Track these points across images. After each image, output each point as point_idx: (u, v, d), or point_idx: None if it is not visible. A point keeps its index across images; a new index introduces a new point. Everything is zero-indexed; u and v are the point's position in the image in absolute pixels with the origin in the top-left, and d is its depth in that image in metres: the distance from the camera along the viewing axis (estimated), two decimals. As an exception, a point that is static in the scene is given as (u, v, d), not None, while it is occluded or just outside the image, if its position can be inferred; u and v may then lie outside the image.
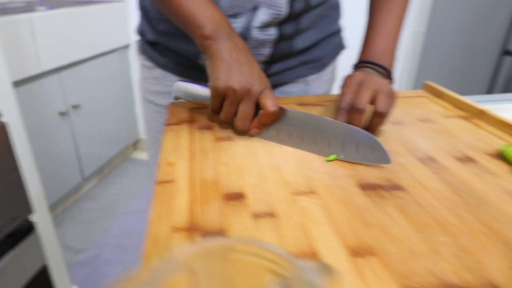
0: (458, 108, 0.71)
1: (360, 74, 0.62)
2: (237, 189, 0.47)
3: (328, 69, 0.84)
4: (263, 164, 0.52)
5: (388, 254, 0.36)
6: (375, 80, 0.60)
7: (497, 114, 0.63)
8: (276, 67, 0.76)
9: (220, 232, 0.39)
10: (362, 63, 0.69)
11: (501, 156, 0.54)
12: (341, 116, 0.59)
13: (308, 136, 0.56)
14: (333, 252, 0.36)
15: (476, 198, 0.45)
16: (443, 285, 0.33)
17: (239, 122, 0.58)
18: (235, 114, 0.58)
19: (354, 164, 0.52)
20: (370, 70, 0.66)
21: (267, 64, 0.75)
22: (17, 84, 1.59)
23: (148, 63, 0.82)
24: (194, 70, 0.76)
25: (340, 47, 0.84)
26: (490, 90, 2.02)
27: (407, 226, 0.40)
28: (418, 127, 0.63)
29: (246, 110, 0.57)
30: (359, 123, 0.57)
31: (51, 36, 1.73)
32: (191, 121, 0.67)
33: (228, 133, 0.62)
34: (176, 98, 0.68)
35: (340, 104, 0.59)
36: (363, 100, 0.56)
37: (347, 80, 0.62)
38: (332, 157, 0.53)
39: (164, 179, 0.49)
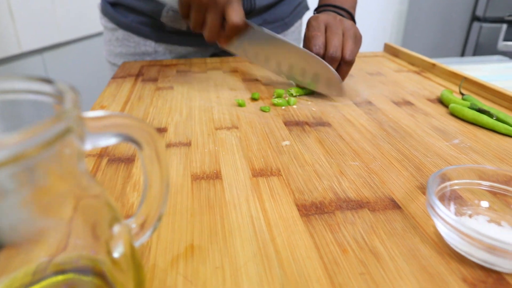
0: (412, 64, 0.70)
1: (325, 16, 0.59)
2: (161, 124, 0.46)
3: (292, 29, 0.83)
4: (195, 106, 0.51)
5: (292, 175, 0.35)
6: (341, 22, 0.57)
7: (446, 66, 0.61)
8: None
9: (129, 159, 0.38)
10: (323, 7, 0.66)
11: (440, 101, 0.53)
12: None
13: (273, 57, 0.56)
14: (237, 173, 0.35)
15: (401, 132, 0.43)
16: (340, 199, 0.32)
17: (206, 32, 0.55)
18: (204, 23, 0.55)
19: (289, 106, 0.51)
20: (332, 13, 0.63)
21: None
22: (-4, 63, 1.58)
23: (111, 25, 0.81)
24: (157, 29, 0.75)
25: (304, 8, 0.83)
26: (462, 54, 2.08)
27: (321, 153, 0.39)
28: (365, 79, 0.62)
29: (212, 20, 0.54)
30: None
31: (31, 16, 1.72)
32: (138, 75, 0.66)
33: (171, 83, 0.61)
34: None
35: (314, 48, 0.55)
36: (337, 48, 0.54)
37: (313, 22, 0.59)
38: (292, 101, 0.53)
39: (91, 118, 0.48)
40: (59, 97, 0.16)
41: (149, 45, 0.77)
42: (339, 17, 0.60)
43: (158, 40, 0.76)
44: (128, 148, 0.40)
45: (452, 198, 0.29)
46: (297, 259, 0.25)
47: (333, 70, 0.53)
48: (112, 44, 0.81)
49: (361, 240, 0.27)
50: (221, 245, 0.27)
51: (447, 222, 0.24)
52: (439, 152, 0.39)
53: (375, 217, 0.29)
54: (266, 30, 0.54)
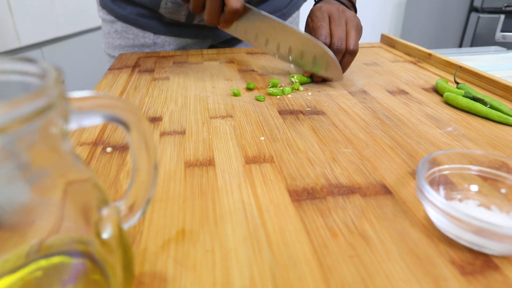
0: (408, 55, 0.70)
1: (328, 6, 0.58)
2: (156, 114, 0.46)
3: (289, 20, 0.83)
4: (190, 96, 0.52)
5: (284, 162, 0.35)
6: (344, 13, 0.57)
7: (442, 56, 0.61)
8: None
9: (123, 147, 0.39)
10: None
11: (435, 90, 0.53)
12: None
13: (272, 40, 0.56)
14: (230, 160, 0.36)
15: (395, 120, 0.44)
16: (331, 185, 0.32)
17: (206, 16, 0.54)
18: (204, 7, 0.55)
19: (284, 95, 0.51)
20: (335, 2, 0.63)
21: None
22: (-5, 56, 1.58)
23: (109, 17, 0.81)
24: (156, 21, 0.75)
25: None
26: (460, 45, 2.08)
27: (314, 141, 0.39)
28: (361, 69, 0.62)
29: (211, 4, 0.53)
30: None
31: (29, 11, 1.72)
32: (135, 66, 0.66)
33: (167, 74, 0.61)
34: None
35: (320, 38, 0.54)
36: (342, 39, 0.54)
37: (317, 12, 0.58)
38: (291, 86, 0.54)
39: (86, 108, 0.48)
40: (43, 76, 0.16)
41: (148, 37, 0.77)
42: (342, 7, 0.59)
43: (156, 32, 0.76)
44: (122, 137, 0.41)
45: (442, 183, 0.29)
46: (287, 243, 0.26)
47: (331, 53, 0.53)
48: (111, 36, 0.81)
49: (351, 225, 0.27)
50: (212, 230, 0.27)
51: (436, 205, 0.25)
52: (432, 140, 0.39)
53: (366, 202, 0.30)
54: (265, 13, 0.54)
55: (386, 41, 0.77)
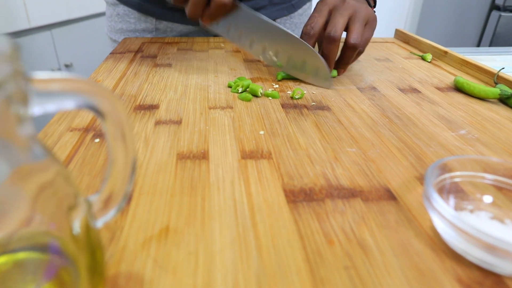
0: (423, 52, 0.66)
1: (334, 0, 0.53)
2: (153, 101, 0.44)
3: (299, 12, 0.80)
4: (191, 85, 0.49)
5: (283, 159, 0.33)
6: (351, 5, 0.51)
7: (459, 54, 0.58)
8: None
9: (115, 134, 0.37)
10: None
11: (451, 88, 0.50)
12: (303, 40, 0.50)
13: (258, 41, 0.52)
14: (225, 154, 0.33)
15: (404, 119, 0.41)
16: (331, 187, 0.29)
17: (190, 7, 0.48)
18: None
19: (288, 87, 0.49)
20: None
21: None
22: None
23: (112, 0, 0.79)
24: (158, 6, 0.73)
25: None
26: (478, 44, 2.01)
27: (317, 138, 0.37)
28: (372, 64, 0.59)
29: None
30: (332, 54, 0.49)
31: (41, -9, 1.70)
32: (137, 51, 0.64)
33: (169, 60, 0.59)
34: None
35: (304, 28, 0.50)
36: (337, 27, 0.48)
37: (318, 5, 0.53)
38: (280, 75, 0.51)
39: (82, 92, 0.46)
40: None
41: (149, 22, 0.75)
42: (352, 0, 0.55)
43: (159, 17, 0.74)
44: (115, 124, 0.39)
45: (452, 191, 0.26)
46: (278, 248, 0.23)
47: (322, 59, 0.48)
48: (113, 19, 0.79)
49: (350, 231, 0.25)
50: (198, 229, 0.25)
51: (444, 216, 0.22)
52: (443, 142, 0.37)
53: (367, 207, 0.27)
54: (254, 12, 0.50)
55: (400, 36, 0.74)
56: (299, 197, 0.28)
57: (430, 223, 0.26)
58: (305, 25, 0.51)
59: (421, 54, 0.64)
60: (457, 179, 0.27)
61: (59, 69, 1.89)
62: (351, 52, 0.50)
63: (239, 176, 0.30)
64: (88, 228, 0.18)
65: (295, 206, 0.27)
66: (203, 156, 0.33)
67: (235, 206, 0.27)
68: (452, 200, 0.26)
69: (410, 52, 0.66)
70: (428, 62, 0.61)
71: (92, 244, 0.18)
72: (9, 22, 1.58)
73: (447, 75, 0.55)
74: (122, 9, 0.77)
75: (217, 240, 0.24)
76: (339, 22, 0.49)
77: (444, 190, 0.26)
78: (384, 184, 0.30)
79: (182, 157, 0.33)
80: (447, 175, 0.26)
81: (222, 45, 0.69)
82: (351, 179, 0.30)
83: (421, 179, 0.31)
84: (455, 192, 0.27)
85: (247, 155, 0.33)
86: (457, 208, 0.26)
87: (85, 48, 2.08)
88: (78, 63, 2.03)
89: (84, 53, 2.07)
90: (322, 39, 0.51)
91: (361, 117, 0.41)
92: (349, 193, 0.29)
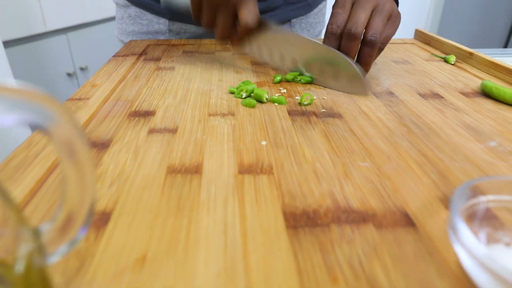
0: (446, 53, 0.61)
1: None
2: (150, 107, 0.41)
3: (315, 11, 0.76)
4: (192, 89, 0.46)
5: (285, 174, 0.29)
6: None
7: (487, 56, 0.53)
8: (259, 6, 0.69)
9: (104, 144, 0.34)
10: None
11: (478, 93, 0.45)
12: (329, 42, 0.47)
13: (288, 56, 0.50)
14: (221, 168, 0.30)
15: (425, 129, 0.37)
16: (339, 209, 0.25)
17: (217, 32, 0.50)
18: (215, 23, 0.51)
19: (297, 92, 0.45)
20: None
21: None
22: (22, 41, 1.59)
23: (123, 1, 0.77)
24: (170, 7, 0.70)
25: None
26: (506, 45, 1.89)
27: (325, 150, 0.33)
28: (389, 67, 0.55)
29: (223, 20, 0.49)
30: (351, 52, 0.46)
31: (56, -4, 1.72)
32: (141, 54, 0.61)
33: (173, 63, 0.56)
34: (164, 7, 0.63)
35: (328, 27, 0.46)
36: (358, 23, 0.44)
37: None
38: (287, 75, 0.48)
39: (76, 97, 0.44)
40: None
41: (162, 24, 0.72)
42: None
43: (172, 18, 0.71)
44: (107, 131, 0.36)
45: (485, 219, 0.22)
46: (271, 285, 0.20)
47: (355, 65, 0.44)
48: (124, 22, 0.77)
49: (358, 266, 0.21)
50: (180, 259, 0.21)
51: (472, 253, 0.18)
52: (470, 156, 0.32)
53: (380, 236, 0.23)
54: (282, 28, 0.49)
55: (421, 37, 0.69)
56: (300, 221, 0.24)
57: (456, 257, 0.22)
58: (330, 24, 0.47)
59: (443, 56, 0.59)
60: (490, 205, 0.22)
61: (75, 72, 1.90)
62: (368, 49, 0.46)
63: (234, 194, 0.27)
64: (29, 266, 0.15)
65: (295, 232, 0.23)
66: (196, 170, 0.30)
67: (225, 231, 0.23)
68: (484, 231, 0.22)
69: (431, 54, 0.61)
70: (451, 64, 0.56)
71: (35, 284, 0.15)
72: (26, 26, 1.59)
73: (473, 79, 0.50)
74: (134, 10, 0.75)
75: (200, 274, 0.20)
76: (361, 17, 0.45)
77: (474, 218, 0.22)
78: (401, 207, 0.26)
79: (172, 170, 0.30)
80: (479, 199, 0.22)
81: (228, 46, 0.65)
82: (362, 200, 0.26)
83: (444, 201, 0.26)
84: (488, 220, 0.22)
85: (245, 169, 0.30)
86: (490, 240, 0.22)
87: (100, 51, 2.08)
88: (93, 66, 2.03)
89: (99, 56, 2.08)
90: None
91: (376, 126, 0.37)
92: (360, 217, 0.25)
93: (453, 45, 0.59)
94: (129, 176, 0.29)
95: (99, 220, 0.24)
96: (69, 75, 1.87)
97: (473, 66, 0.55)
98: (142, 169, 0.30)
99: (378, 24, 0.45)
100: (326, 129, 0.36)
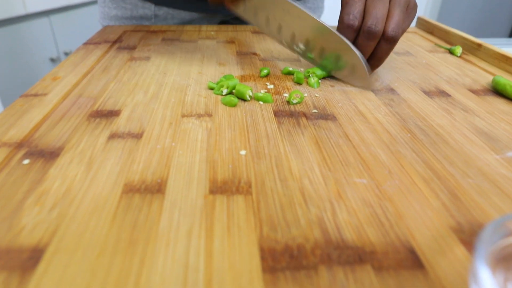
0: (451, 44, 0.56)
1: None
2: (115, 106, 0.35)
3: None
4: (167, 83, 0.41)
5: (266, 194, 0.24)
6: None
7: (496, 47, 0.48)
8: None
9: (53, 153, 0.28)
10: None
11: (489, 91, 0.40)
12: (345, 36, 0.40)
13: (287, 29, 0.44)
14: (188, 186, 0.25)
15: (431, 135, 0.32)
16: (329, 243, 0.21)
17: None
18: None
19: (285, 88, 0.40)
20: None
21: None
22: (0, 24, 1.51)
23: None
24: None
25: None
26: (511, 34, 1.82)
27: (315, 161, 0.28)
28: (389, 59, 0.50)
29: None
30: (368, 51, 0.40)
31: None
32: (115, 42, 0.55)
33: (149, 53, 0.50)
34: None
35: (345, 18, 0.40)
36: (379, 18, 0.39)
37: None
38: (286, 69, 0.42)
39: (32, 92, 0.38)
40: None
41: (148, 8, 0.66)
42: None
43: (158, 2, 0.65)
44: (59, 136, 0.30)
45: (514, 268, 0.17)
46: None
47: (360, 55, 0.39)
48: (107, 5, 0.71)
49: (353, 331, 0.16)
50: (122, 320, 0.16)
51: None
52: (486, 170, 0.27)
53: (381, 281, 0.18)
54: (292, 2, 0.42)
55: (423, 25, 0.63)
56: (281, 261, 0.19)
57: (479, 317, 0.17)
58: (346, 14, 0.40)
59: (448, 47, 0.54)
60: (523, 251, 0.17)
61: (59, 58, 1.82)
62: (387, 45, 0.40)
63: (201, 222, 0.22)
64: None
65: (273, 278, 0.18)
66: (158, 188, 0.24)
67: (185, 276, 0.18)
68: (514, 284, 0.17)
69: (435, 45, 0.56)
70: (457, 56, 0.51)
71: None
72: (5, 8, 1.51)
73: (482, 74, 0.45)
74: None
75: None
76: (380, 11, 0.39)
77: (503, 262, 0.17)
78: (406, 240, 0.21)
79: (130, 189, 0.24)
80: (507, 241, 0.17)
81: (213, 33, 0.60)
82: (358, 231, 0.21)
83: (458, 232, 0.22)
84: (519, 269, 0.17)
85: (217, 188, 0.25)
86: (523, 296, 0.17)
87: (86, 36, 2.00)
88: (79, 52, 1.95)
89: (85, 40, 1.99)
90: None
91: (375, 131, 0.32)
92: (355, 256, 0.20)
93: (459, 35, 0.54)
94: (76, 196, 0.24)
95: (28, 260, 0.19)
96: (52, 60, 1.79)
97: (481, 59, 0.50)
98: (93, 187, 0.25)
99: (399, 17, 0.39)
100: (317, 135, 0.31)
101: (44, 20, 1.71)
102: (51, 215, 0.22)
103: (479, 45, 0.50)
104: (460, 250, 0.20)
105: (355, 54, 0.39)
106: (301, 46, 0.44)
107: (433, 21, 0.61)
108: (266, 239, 0.21)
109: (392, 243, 0.21)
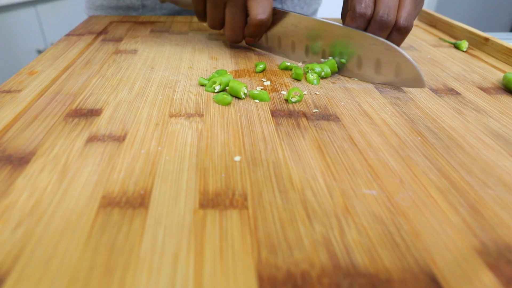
0: (455, 38, 0.53)
1: None
2: (96, 104, 0.32)
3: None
4: (155, 79, 0.37)
5: (264, 209, 0.21)
6: None
7: (504, 42, 0.45)
8: None
9: (23, 159, 0.25)
10: None
11: (500, 89, 0.37)
12: (357, 26, 0.38)
13: (314, 44, 0.41)
14: (175, 199, 0.22)
15: (443, 138, 0.29)
16: (338, 269, 0.18)
17: (228, 32, 0.43)
18: (223, 20, 0.43)
19: (283, 84, 0.37)
20: None
21: None
22: (-16, 12, 1.45)
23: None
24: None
25: None
26: None
27: (318, 169, 0.25)
28: (393, 54, 0.47)
29: (233, 16, 0.41)
30: None
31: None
32: (100, 33, 0.51)
33: (136, 45, 0.47)
34: (162, 0, 0.54)
35: (356, 6, 0.37)
36: (391, 7, 0.37)
37: None
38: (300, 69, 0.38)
39: (4, 89, 0.35)
40: None
41: None
42: None
43: None
44: (31, 139, 0.27)
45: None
46: None
47: (402, 51, 0.35)
48: None
49: None
50: None
51: None
52: (506, 179, 0.25)
53: (400, 319, 0.16)
54: (297, 13, 0.41)
55: (426, 18, 0.60)
56: (283, 293, 0.16)
57: None
58: (357, 3, 0.37)
59: (453, 41, 0.51)
60: None
61: (46, 49, 1.76)
62: (399, 36, 0.38)
63: (189, 243, 0.19)
64: None
65: (274, 315, 0.16)
66: (141, 201, 0.21)
67: (170, 315, 0.15)
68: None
69: (440, 39, 0.53)
70: (463, 51, 0.48)
71: None
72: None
73: (491, 70, 0.43)
74: None
75: None
76: (392, 1, 0.37)
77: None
78: (426, 265, 0.18)
79: (108, 202, 0.21)
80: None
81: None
82: (371, 254, 0.19)
83: (484, 255, 0.19)
84: None
85: (208, 201, 0.22)
86: None
87: (73, 26, 1.94)
88: (67, 43, 1.89)
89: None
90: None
91: (382, 133, 0.29)
92: (369, 285, 0.17)
93: (464, 29, 0.51)
94: (45, 212, 0.21)
95: (-18, 293, 0.16)
96: (39, 52, 1.74)
97: (489, 54, 0.47)
98: (66, 201, 0.21)
99: (410, 6, 0.38)
100: (320, 138, 0.28)
101: (30, 10, 1.65)
102: (15, 235, 0.19)
103: (486, 40, 0.47)
104: (487, 277, 0.18)
105: (395, 49, 0.36)
106: (333, 58, 0.40)
107: (434, 13, 0.58)
108: (265, 265, 0.18)
109: (410, 268, 0.18)
